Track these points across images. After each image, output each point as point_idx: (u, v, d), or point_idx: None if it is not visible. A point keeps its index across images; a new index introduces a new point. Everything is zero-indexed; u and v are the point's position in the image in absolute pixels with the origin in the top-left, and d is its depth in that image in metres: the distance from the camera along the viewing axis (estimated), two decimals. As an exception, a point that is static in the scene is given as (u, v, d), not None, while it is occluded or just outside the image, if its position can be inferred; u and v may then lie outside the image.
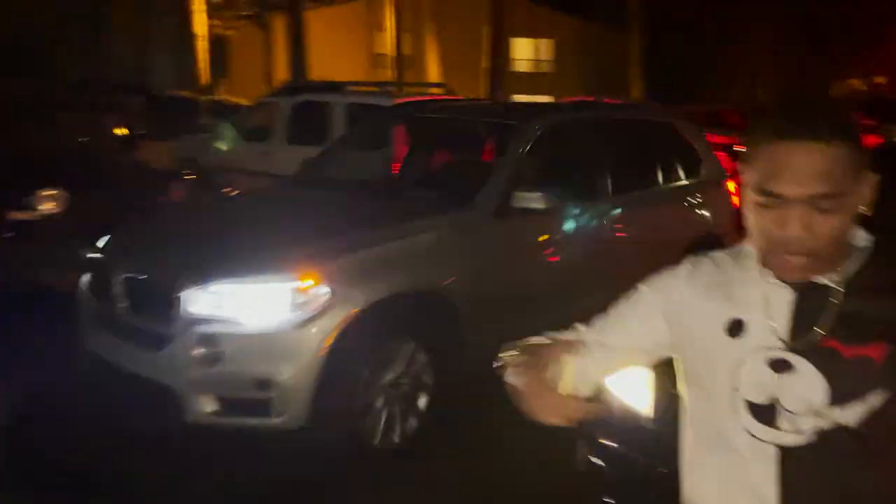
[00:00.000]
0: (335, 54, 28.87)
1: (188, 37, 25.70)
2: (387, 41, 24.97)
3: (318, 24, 26.07)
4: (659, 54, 26.37)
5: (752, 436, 1.23)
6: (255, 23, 29.67)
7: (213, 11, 26.70)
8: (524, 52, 34.67)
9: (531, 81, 32.82)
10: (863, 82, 29.44)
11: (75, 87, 15.75)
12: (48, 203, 6.13)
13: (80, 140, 9.33)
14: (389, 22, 24.23)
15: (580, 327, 1.49)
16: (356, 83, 10.57)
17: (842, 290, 1.21)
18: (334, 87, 9.69)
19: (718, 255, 1.38)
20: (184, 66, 26.58)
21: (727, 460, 1.27)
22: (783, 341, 1.22)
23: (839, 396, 1.16)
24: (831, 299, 1.21)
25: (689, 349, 1.36)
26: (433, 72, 23.88)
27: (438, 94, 10.08)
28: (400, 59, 23.88)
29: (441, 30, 24.82)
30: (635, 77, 24.20)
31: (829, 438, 1.18)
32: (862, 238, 1.26)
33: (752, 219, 1.22)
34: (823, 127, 1.14)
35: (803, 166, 1.13)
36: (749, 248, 1.30)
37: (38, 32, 21.80)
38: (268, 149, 9.35)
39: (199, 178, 9.44)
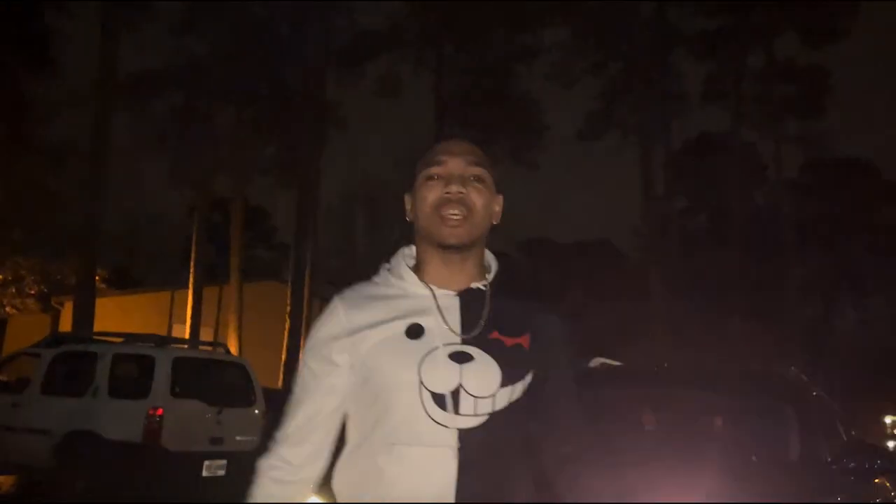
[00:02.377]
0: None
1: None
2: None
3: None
4: None
5: (435, 422, 1.32)
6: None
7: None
8: None
9: None
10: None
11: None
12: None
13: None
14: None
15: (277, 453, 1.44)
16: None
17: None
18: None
19: (369, 282, 1.50)
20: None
21: (408, 451, 1.33)
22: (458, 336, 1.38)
23: (507, 378, 1.37)
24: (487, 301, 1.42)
25: (371, 358, 1.38)
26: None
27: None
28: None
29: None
30: None
31: (500, 415, 1.35)
32: (492, 257, 1.52)
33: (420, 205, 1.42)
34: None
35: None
36: (402, 261, 1.48)
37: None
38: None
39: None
